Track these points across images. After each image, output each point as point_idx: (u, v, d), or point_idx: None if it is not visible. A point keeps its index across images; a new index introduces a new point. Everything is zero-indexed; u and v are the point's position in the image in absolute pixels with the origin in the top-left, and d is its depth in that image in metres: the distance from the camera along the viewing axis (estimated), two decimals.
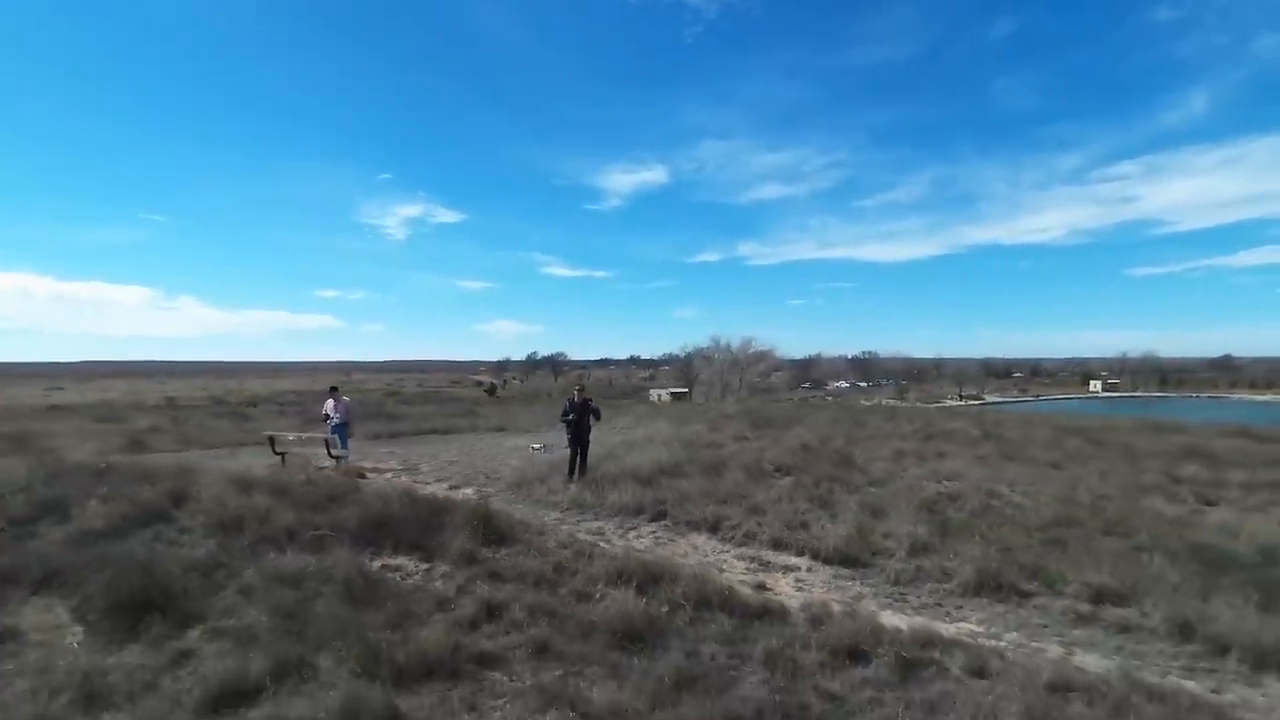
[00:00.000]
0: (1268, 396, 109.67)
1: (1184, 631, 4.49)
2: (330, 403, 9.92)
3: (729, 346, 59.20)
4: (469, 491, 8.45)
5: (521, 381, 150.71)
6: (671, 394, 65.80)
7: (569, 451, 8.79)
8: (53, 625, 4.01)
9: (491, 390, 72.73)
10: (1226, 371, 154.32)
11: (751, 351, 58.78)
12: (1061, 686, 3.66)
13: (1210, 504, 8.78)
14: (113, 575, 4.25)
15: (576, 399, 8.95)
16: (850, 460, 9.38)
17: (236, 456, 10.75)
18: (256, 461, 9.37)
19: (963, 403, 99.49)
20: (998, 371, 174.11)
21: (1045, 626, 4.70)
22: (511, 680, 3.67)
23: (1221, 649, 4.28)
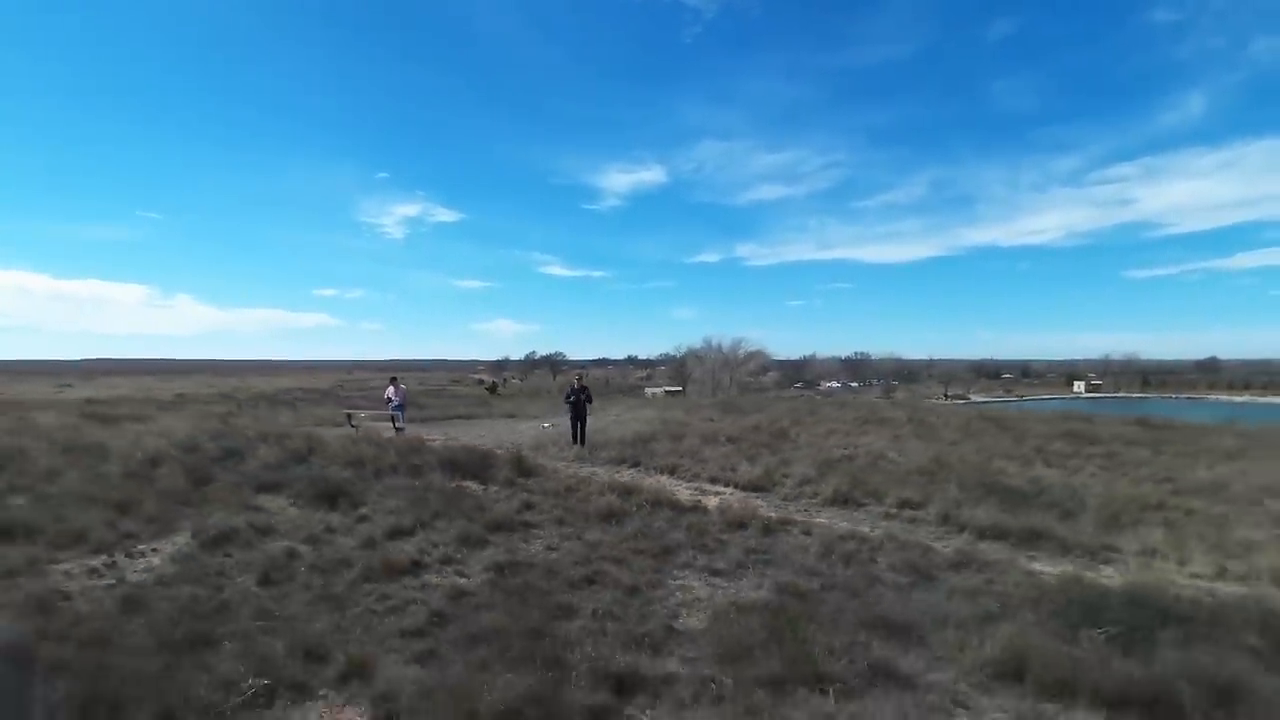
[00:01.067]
0: (1244, 397, 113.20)
1: (945, 520, 7.46)
2: (391, 389, 12.87)
3: (720, 347, 62.26)
4: (501, 451, 11.40)
5: (521, 381, 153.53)
6: (666, 391, 68.81)
7: (572, 426, 11.73)
8: (280, 507, 6.95)
9: (492, 389, 75.43)
10: (1210, 373, 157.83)
11: (742, 352, 61.81)
12: (848, 537, 6.63)
13: (1050, 466, 11.75)
14: (308, 480, 7.20)
15: (577, 385, 11.90)
16: (785, 434, 12.36)
17: (316, 431, 13.69)
18: (336, 433, 12.31)
19: (948, 402, 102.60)
20: (988, 373, 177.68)
21: (865, 520, 7.67)
22: (544, 532, 6.63)
23: (961, 528, 7.25)
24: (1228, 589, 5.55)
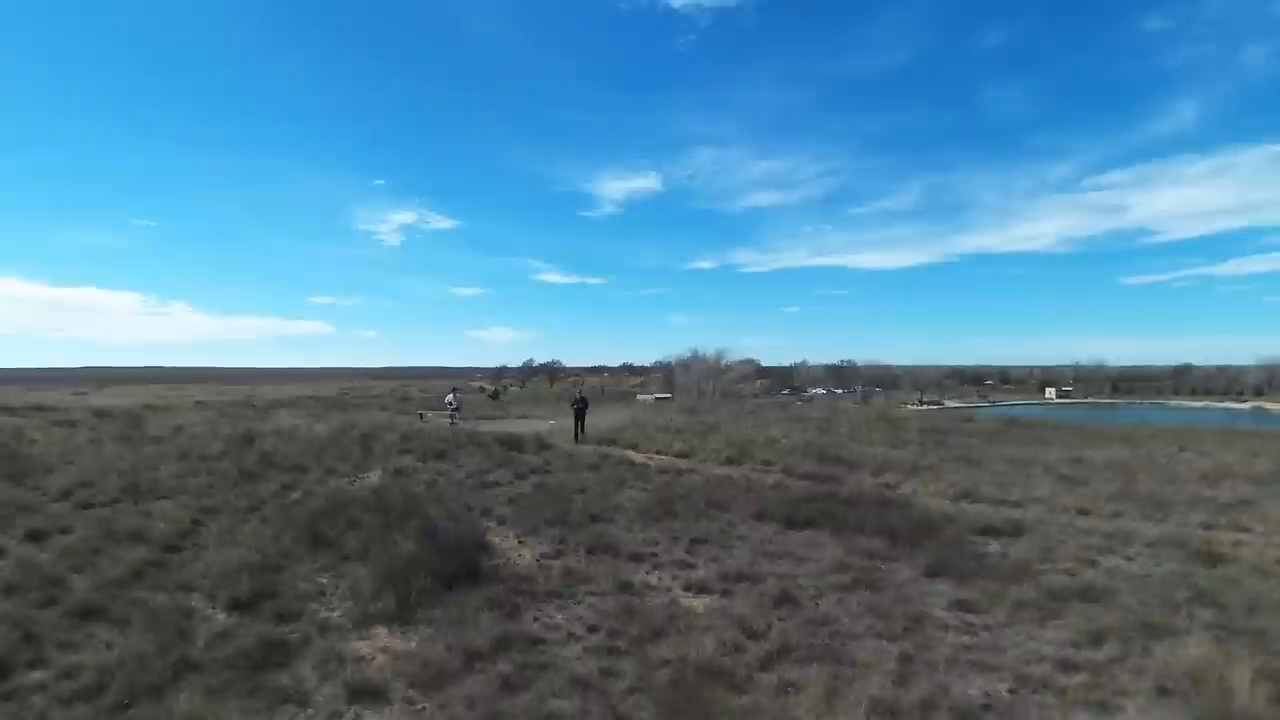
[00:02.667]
0: (1203, 403, 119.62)
1: (785, 471, 13.18)
2: (450, 395, 18.56)
3: (705, 356, 68.06)
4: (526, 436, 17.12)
5: (520, 387, 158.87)
6: (657, 398, 74.45)
7: (575, 422, 17.40)
8: (412, 462, 12.61)
9: (495, 395, 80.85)
10: (1183, 379, 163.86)
11: (724, 361, 67.61)
12: (723, 480, 12.36)
13: (892, 448, 17.50)
14: (422, 448, 12.90)
15: (578, 395, 17.57)
16: (716, 427, 18.13)
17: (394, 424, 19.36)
18: (417, 426, 17.99)
19: (922, 407, 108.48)
20: (970, 379, 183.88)
21: (737, 470, 13.39)
22: (556, 474, 12.36)
23: (786, 473, 12.96)
24: (952, 505, 11.32)
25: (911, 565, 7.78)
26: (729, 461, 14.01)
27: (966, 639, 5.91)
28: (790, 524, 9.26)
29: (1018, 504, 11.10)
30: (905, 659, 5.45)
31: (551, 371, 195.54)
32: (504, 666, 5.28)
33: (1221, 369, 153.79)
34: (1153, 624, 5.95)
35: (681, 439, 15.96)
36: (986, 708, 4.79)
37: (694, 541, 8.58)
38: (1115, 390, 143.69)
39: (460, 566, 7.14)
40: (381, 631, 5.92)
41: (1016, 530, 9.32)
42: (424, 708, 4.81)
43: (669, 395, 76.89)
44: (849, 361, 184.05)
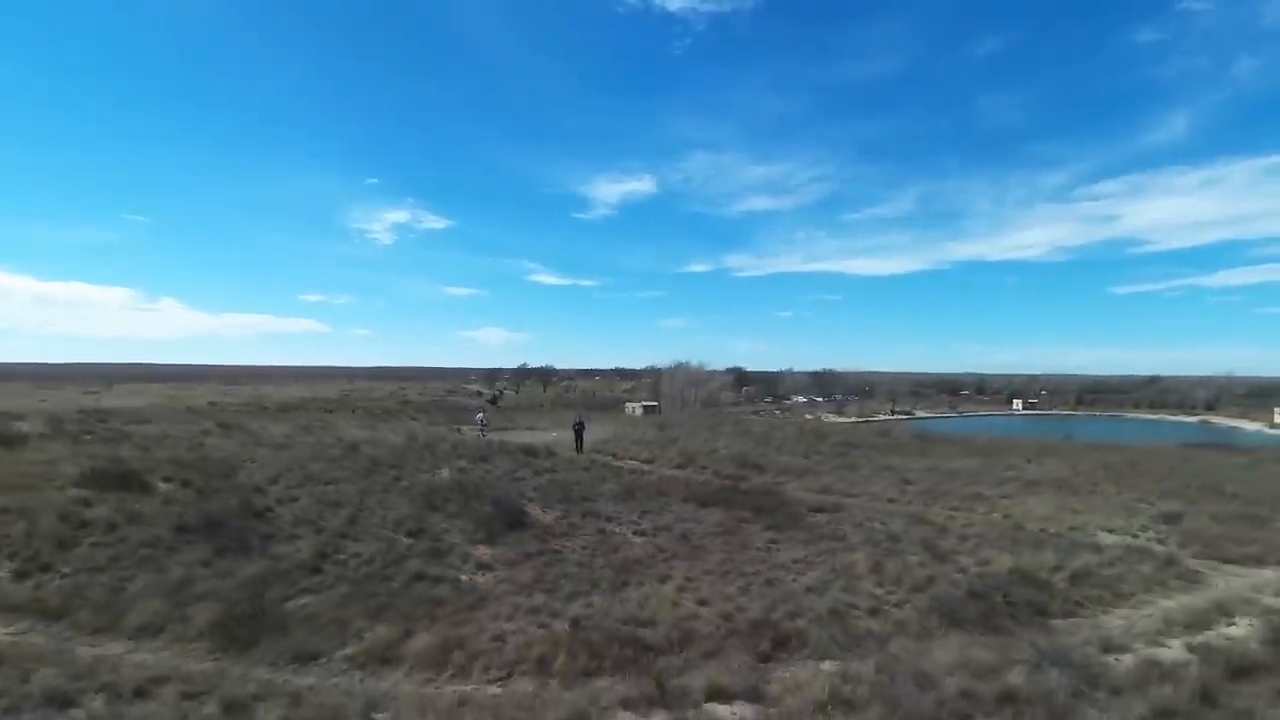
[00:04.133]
0: (1158, 415, 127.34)
1: (715, 474, 19.56)
2: (480, 415, 24.82)
3: (688, 367, 74.53)
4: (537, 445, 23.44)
5: (516, 392, 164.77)
6: (644, 407, 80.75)
7: (575, 438, 23.71)
8: (465, 464, 18.92)
9: (494, 401, 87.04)
10: (1144, 392, 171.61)
11: (705, 372, 74.11)
12: (670, 478, 18.74)
13: (805, 457, 23.92)
14: (469, 454, 19.22)
15: (578, 419, 23.90)
16: (677, 440, 24.54)
17: (444, 436, 25.65)
18: (453, 436, 24.28)
19: (893, 417, 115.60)
20: (947, 388, 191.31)
21: (683, 472, 19.74)
22: (563, 472, 18.70)
23: (715, 474, 19.34)
24: (812, 495, 17.75)
25: (760, 525, 14.16)
26: (679, 466, 20.37)
27: (763, 553, 12.30)
28: (701, 504, 15.61)
29: (854, 495, 17.53)
30: (731, 558, 11.82)
31: (545, 376, 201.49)
32: (541, 560, 11.61)
33: (1178, 382, 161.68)
34: (871, 544, 12.36)
35: (648, 450, 22.32)
36: (757, 574, 11.15)
37: (643, 513, 14.92)
38: (1079, 402, 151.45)
39: (513, 520, 13.46)
40: (482, 547, 12.24)
41: (837, 508, 15.75)
42: (508, 574, 11.12)
43: (655, 404, 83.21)
44: (829, 370, 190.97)
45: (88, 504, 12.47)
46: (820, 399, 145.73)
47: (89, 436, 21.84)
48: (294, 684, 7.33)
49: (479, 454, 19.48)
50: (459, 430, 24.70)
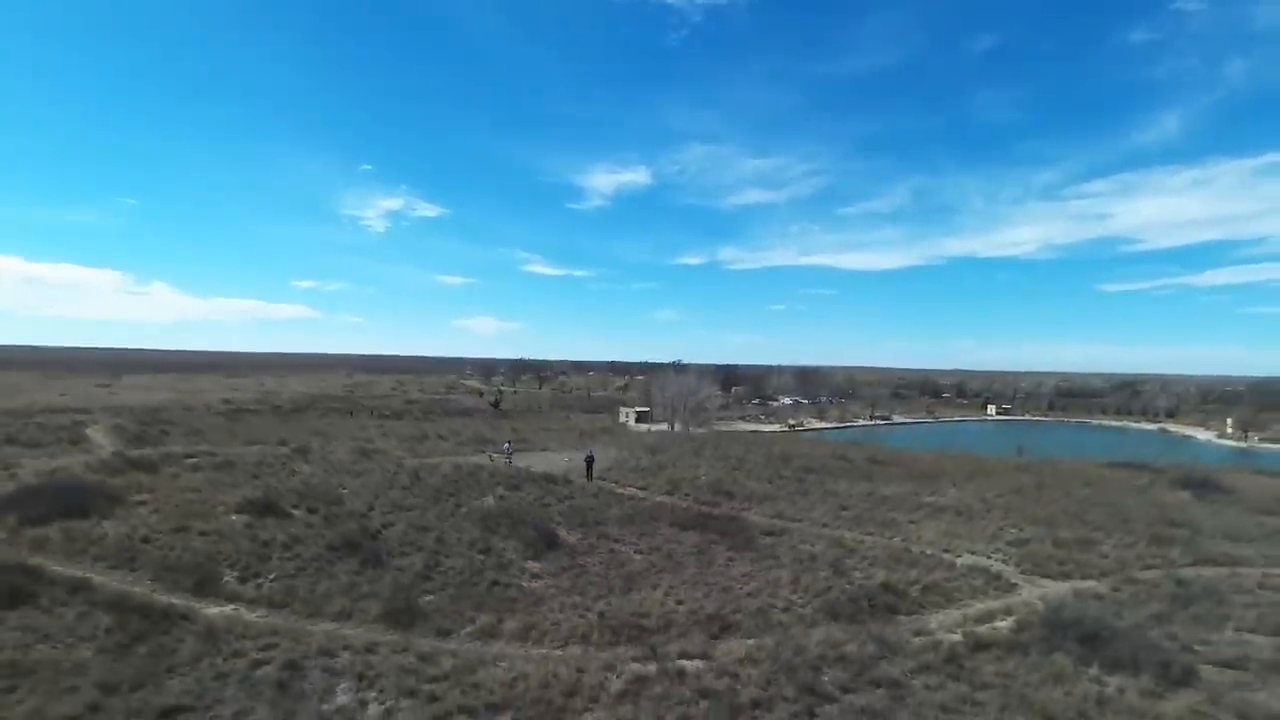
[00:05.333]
0: (1123, 422, 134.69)
1: (697, 500, 25.35)
2: (506, 444, 30.44)
3: (678, 377, 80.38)
4: (554, 472, 29.11)
5: (513, 389, 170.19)
6: (637, 412, 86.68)
7: (586, 467, 29.37)
8: (506, 490, 24.59)
9: (496, 404, 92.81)
10: (1122, 397, 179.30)
11: (694, 380, 80.00)
12: (660, 504, 24.51)
13: (770, 482, 29.76)
14: (508, 481, 24.91)
15: (589, 453, 29.53)
16: (665, 466, 30.33)
17: (468, 460, 31.25)
18: (489, 464, 29.93)
19: (872, 422, 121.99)
20: (930, 390, 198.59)
21: (670, 498, 25.51)
22: (579, 499, 24.42)
23: (694, 500, 25.13)
24: (766, 520, 23.60)
25: (724, 546, 19.91)
26: (667, 492, 26.10)
27: (722, 568, 18.07)
28: (683, 528, 21.33)
29: (799, 520, 23.32)
30: (700, 572, 17.57)
31: (540, 374, 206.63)
32: (572, 572, 17.34)
33: (1148, 385, 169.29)
34: (797, 563, 18.14)
35: (643, 477, 28.05)
36: (716, 584, 16.89)
37: (641, 535, 20.65)
38: (1051, 407, 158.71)
39: (549, 540, 19.15)
40: (531, 562, 17.93)
41: (783, 532, 21.53)
42: (553, 582, 16.82)
43: (647, 409, 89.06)
44: (815, 368, 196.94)
45: (250, 526, 18.10)
46: (805, 400, 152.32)
47: (193, 459, 27.20)
48: (444, 648, 13.00)
49: (512, 482, 25.17)
50: (491, 458, 30.27)
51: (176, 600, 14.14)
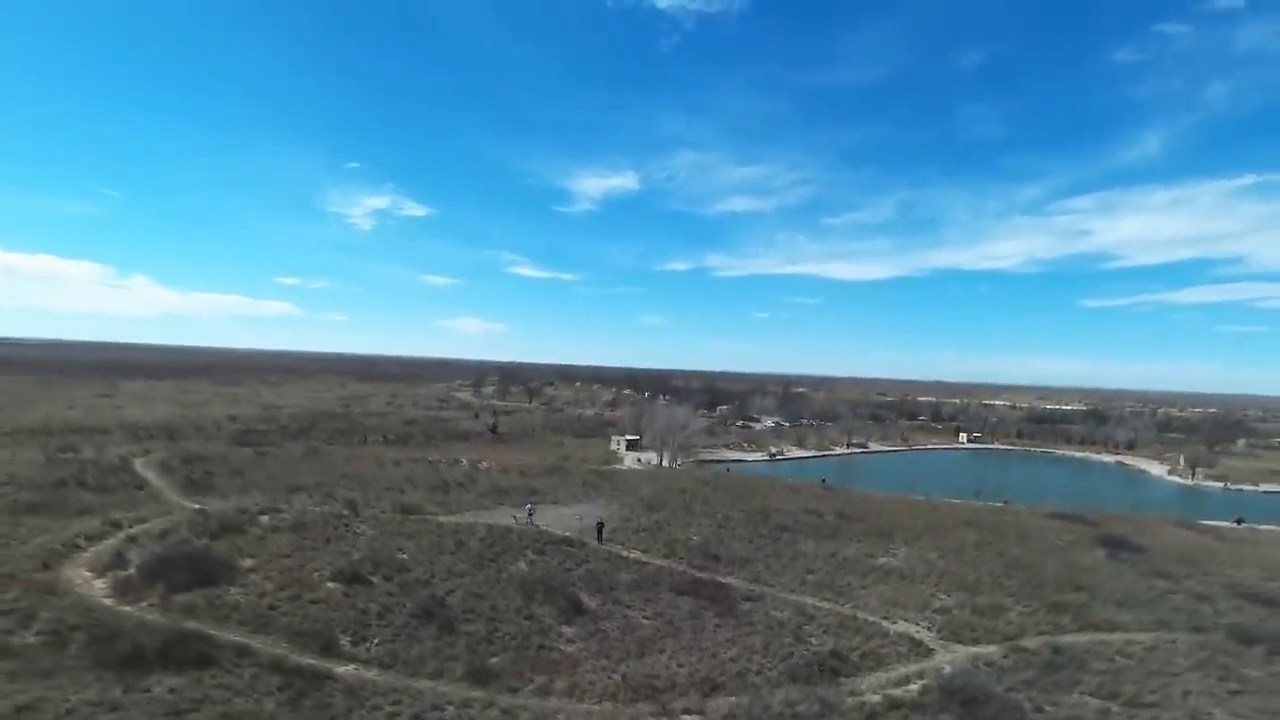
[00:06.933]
0: (1085, 453, 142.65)
1: (687, 564, 30.90)
2: (528, 505, 35.75)
3: (667, 412, 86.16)
4: (570, 534, 34.44)
5: (504, 399, 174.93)
6: (628, 440, 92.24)
7: (597, 532, 34.70)
8: (533, 556, 29.95)
9: (494, 428, 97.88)
10: (1087, 427, 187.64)
11: (682, 414, 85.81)
12: (660, 568, 30.04)
13: (750, 541, 35.37)
14: (536, 541, 30.33)
15: (599, 520, 34.91)
16: (666, 524, 35.89)
17: (493, 513, 36.48)
18: (517, 526, 35.26)
19: (849, 450, 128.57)
20: (906, 412, 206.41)
21: (668, 561, 31.04)
22: (594, 563, 29.85)
23: (679, 555, 30.69)
24: (744, 584, 29.21)
25: (712, 612, 25.44)
26: (665, 556, 31.57)
27: (711, 634, 23.59)
28: (679, 593, 26.80)
29: (771, 585, 28.88)
30: (695, 637, 23.08)
31: (529, 385, 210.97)
32: (597, 637, 22.78)
33: (1113, 411, 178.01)
34: (767, 629, 23.72)
35: (643, 541, 33.53)
36: (706, 649, 22.38)
37: (647, 600, 26.12)
38: (1019, 435, 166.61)
39: (576, 607, 24.58)
40: (564, 627, 23.33)
41: (760, 597, 27.10)
42: (584, 645, 22.21)
43: (637, 437, 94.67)
44: (797, 390, 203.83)
45: (347, 595, 23.32)
46: (786, 423, 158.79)
47: (265, 516, 32.05)
48: (518, 703, 18.33)
49: (538, 545, 30.54)
50: (515, 518, 35.60)
51: (313, 661, 19.37)
